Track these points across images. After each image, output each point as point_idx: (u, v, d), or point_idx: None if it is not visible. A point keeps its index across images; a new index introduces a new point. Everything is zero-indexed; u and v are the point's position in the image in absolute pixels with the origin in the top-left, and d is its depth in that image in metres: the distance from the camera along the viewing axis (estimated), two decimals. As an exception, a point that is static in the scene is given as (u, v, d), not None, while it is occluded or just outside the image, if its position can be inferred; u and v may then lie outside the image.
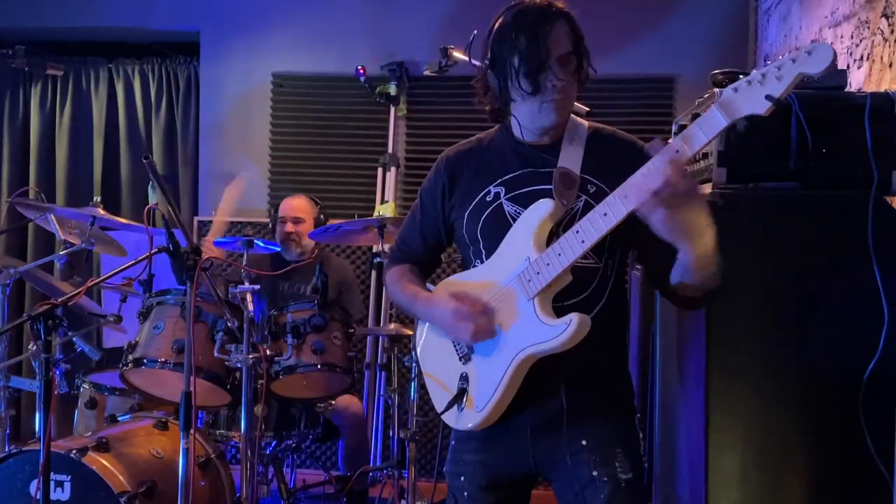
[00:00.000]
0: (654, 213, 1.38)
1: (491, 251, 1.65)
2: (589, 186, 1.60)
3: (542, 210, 1.57)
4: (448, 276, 1.85)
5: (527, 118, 1.64)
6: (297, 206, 3.69)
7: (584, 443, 1.61)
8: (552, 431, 1.62)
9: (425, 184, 1.81)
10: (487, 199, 1.66)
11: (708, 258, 1.47)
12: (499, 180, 1.66)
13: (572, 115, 1.69)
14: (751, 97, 1.32)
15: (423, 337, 1.79)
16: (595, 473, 1.59)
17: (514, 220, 1.62)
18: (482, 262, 1.67)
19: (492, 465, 1.68)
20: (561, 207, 1.58)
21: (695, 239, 1.43)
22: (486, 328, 1.58)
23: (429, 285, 1.84)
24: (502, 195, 1.65)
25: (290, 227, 3.62)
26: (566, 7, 1.61)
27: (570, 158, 1.62)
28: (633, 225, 1.56)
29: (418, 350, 1.82)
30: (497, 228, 1.64)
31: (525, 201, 1.61)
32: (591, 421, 1.62)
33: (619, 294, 1.68)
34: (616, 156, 1.48)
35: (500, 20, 1.62)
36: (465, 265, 1.77)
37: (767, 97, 1.29)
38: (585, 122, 1.70)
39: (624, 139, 1.69)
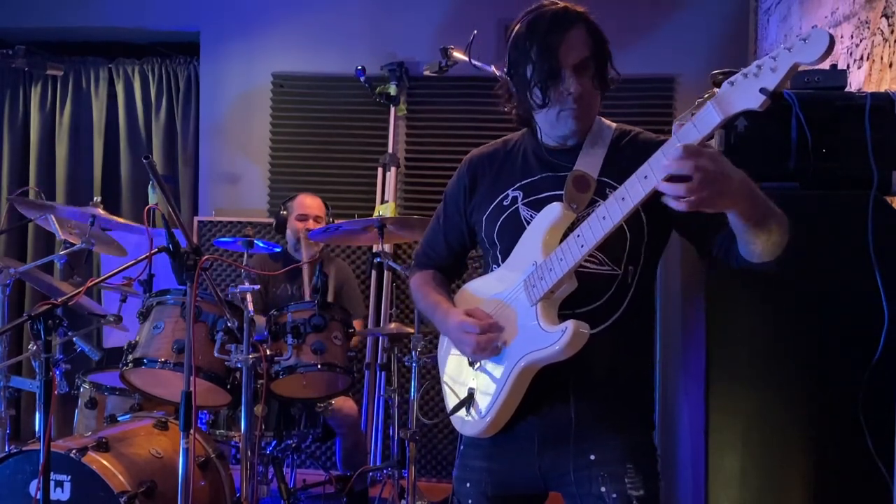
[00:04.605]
0: (677, 203, 1.28)
1: (506, 255, 1.63)
2: (607, 190, 1.51)
3: (551, 215, 1.54)
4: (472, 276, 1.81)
5: (547, 126, 1.61)
6: (317, 205, 3.72)
7: (592, 457, 1.55)
8: (560, 443, 1.57)
9: (449, 186, 1.79)
10: (505, 202, 1.64)
11: (758, 207, 1.34)
12: (518, 184, 1.63)
13: (599, 117, 1.64)
14: (745, 91, 1.23)
15: (444, 341, 1.78)
16: (603, 490, 1.53)
17: (529, 224, 1.59)
18: (498, 266, 1.65)
19: (497, 474, 1.64)
20: (570, 212, 1.53)
21: (731, 203, 1.31)
22: (485, 345, 1.55)
23: None
24: (520, 199, 1.62)
25: (311, 224, 3.63)
26: (584, 10, 1.56)
27: (590, 161, 1.58)
28: (659, 219, 1.54)
29: (439, 354, 1.80)
30: (512, 233, 1.61)
31: (540, 206, 1.58)
32: (600, 434, 1.55)
33: (643, 303, 1.60)
34: (639, 156, 1.38)
35: (517, 27, 1.58)
36: (485, 269, 1.74)
37: (761, 90, 1.21)
38: (613, 124, 1.65)
39: (648, 139, 1.62)
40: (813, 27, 1.18)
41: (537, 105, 1.56)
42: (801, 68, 1.21)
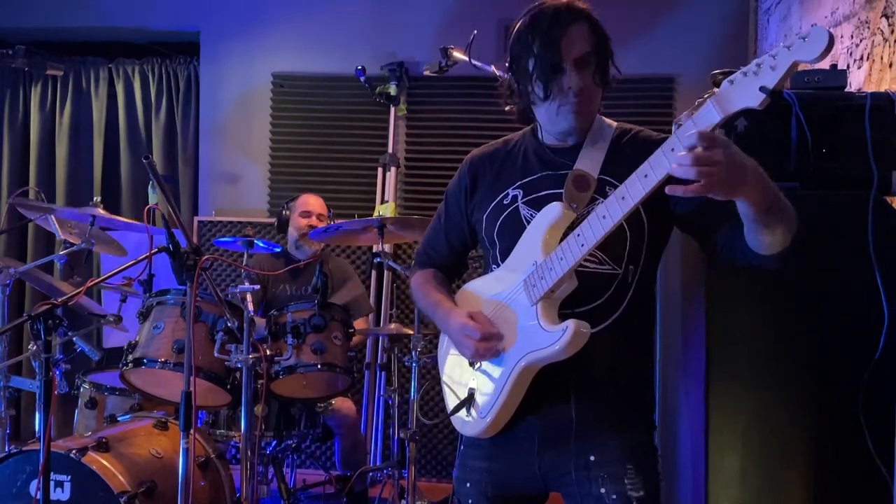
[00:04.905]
0: (688, 190, 1.26)
1: (506, 255, 1.63)
2: (607, 188, 1.51)
3: (551, 214, 1.54)
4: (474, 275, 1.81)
5: (546, 121, 1.62)
6: (320, 204, 3.75)
7: (592, 458, 1.54)
8: (560, 443, 1.56)
9: (450, 185, 1.79)
10: (505, 201, 1.64)
11: (768, 196, 1.33)
12: (518, 183, 1.63)
13: (599, 115, 1.64)
14: (745, 89, 1.23)
15: (444, 340, 1.78)
16: (603, 491, 1.53)
17: (529, 223, 1.59)
18: (498, 266, 1.65)
19: (497, 474, 1.64)
20: (570, 211, 1.53)
21: (743, 191, 1.29)
22: (484, 352, 1.56)
23: None
24: (520, 198, 1.62)
25: (314, 221, 3.65)
26: (587, 7, 1.57)
27: (590, 160, 1.58)
28: (660, 218, 1.54)
29: (439, 354, 1.80)
30: (512, 232, 1.61)
31: (540, 205, 1.58)
32: (601, 435, 1.55)
33: (643, 303, 1.60)
34: (639, 155, 1.37)
35: (519, 22, 1.59)
36: (485, 268, 1.74)
37: (761, 88, 1.20)
38: (614, 123, 1.65)
39: (649, 138, 1.62)
40: (812, 25, 1.17)
41: (538, 99, 1.56)
42: (800, 66, 1.20)
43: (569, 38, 1.52)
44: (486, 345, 1.55)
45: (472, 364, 1.64)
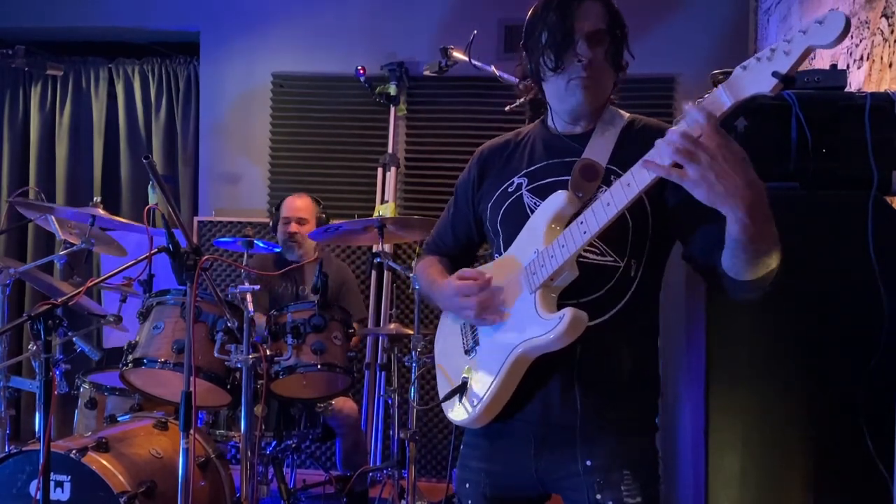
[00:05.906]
0: (683, 181, 1.21)
1: (509, 243, 1.61)
2: (613, 178, 1.45)
3: (555, 203, 1.52)
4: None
5: (556, 99, 1.60)
6: (301, 206, 3.67)
7: (589, 463, 1.51)
8: (558, 446, 1.53)
9: (460, 178, 1.79)
10: (510, 189, 1.62)
11: (759, 224, 1.24)
12: (523, 171, 1.62)
13: (612, 106, 1.63)
14: (757, 75, 1.18)
15: (441, 328, 1.76)
16: (599, 497, 1.49)
17: (533, 211, 1.57)
18: (501, 255, 1.63)
19: (495, 475, 1.62)
20: (576, 200, 1.51)
21: (737, 200, 1.21)
22: (487, 303, 1.53)
23: None
24: (524, 186, 1.60)
25: (293, 227, 3.61)
26: None
27: (599, 149, 1.56)
28: (661, 211, 1.52)
29: (436, 343, 1.78)
30: (516, 220, 1.59)
31: (544, 193, 1.55)
32: (598, 437, 1.51)
33: (647, 297, 1.56)
34: (649, 146, 1.31)
35: (537, 3, 1.60)
36: (492, 259, 1.73)
37: (774, 74, 1.15)
38: (626, 114, 1.63)
39: (660, 127, 1.58)
40: (830, 10, 1.15)
41: (548, 70, 1.54)
42: (815, 51, 1.16)
43: (583, 11, 1.52)
44: (485, 295, 1.54)
45: (467, 352, 1.63)
